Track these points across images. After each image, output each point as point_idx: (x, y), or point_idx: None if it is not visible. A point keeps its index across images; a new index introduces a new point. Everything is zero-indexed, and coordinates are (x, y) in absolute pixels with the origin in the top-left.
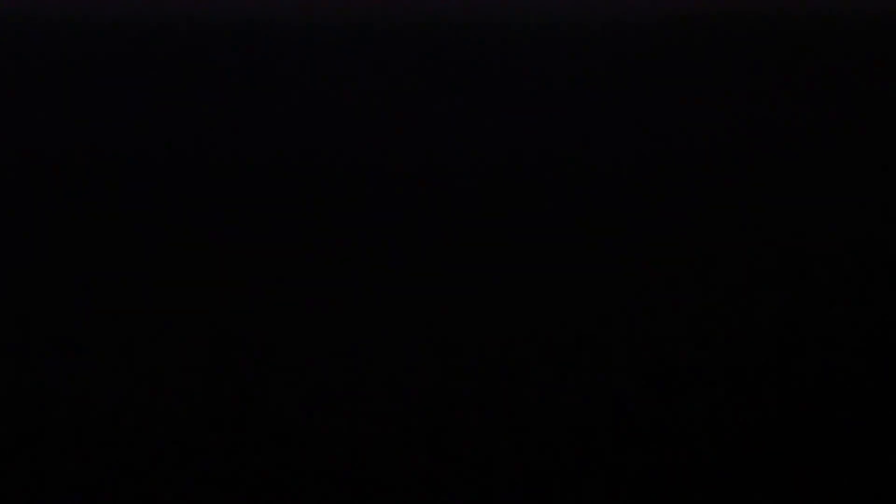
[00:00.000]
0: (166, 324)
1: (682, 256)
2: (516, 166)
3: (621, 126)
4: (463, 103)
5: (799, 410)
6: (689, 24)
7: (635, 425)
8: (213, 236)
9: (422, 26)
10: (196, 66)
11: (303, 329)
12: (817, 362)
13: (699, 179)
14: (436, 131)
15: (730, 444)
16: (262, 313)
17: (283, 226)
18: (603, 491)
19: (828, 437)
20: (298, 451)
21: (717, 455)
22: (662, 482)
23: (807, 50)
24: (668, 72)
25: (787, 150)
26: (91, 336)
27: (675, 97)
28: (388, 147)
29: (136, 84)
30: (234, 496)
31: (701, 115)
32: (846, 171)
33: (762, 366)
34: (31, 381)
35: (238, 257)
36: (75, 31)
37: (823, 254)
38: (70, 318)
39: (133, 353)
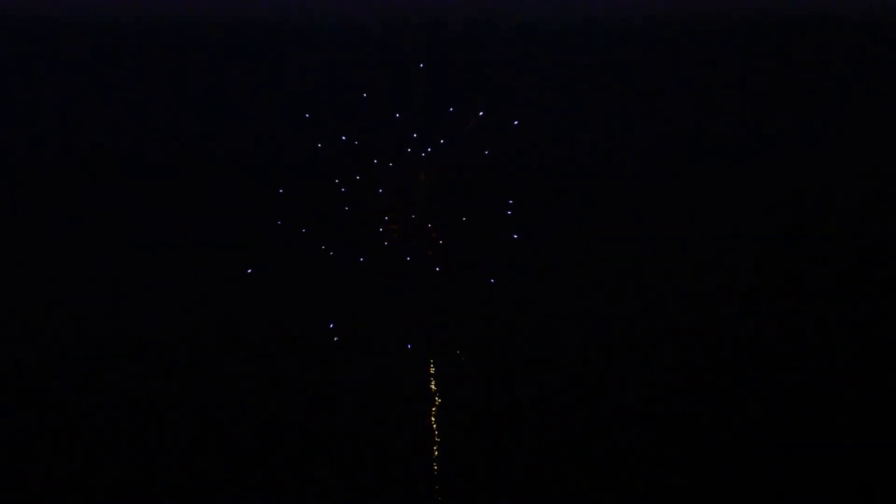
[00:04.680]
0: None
1: (680, 252)
2: (516, 163)
3: (620, 124)
4: (462, 102)
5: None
6: (689, 24)
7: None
8: (211, 232)
9: (422, 26)
10: (195, 65)
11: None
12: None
13: (698, 176)
14: (435, 129)
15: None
16: (259, 309)
17: (281, 223)
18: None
19: (825, 437)
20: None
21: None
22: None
23: (805, 50)
24: (667, 72)
25: (785, 149)
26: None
27: (674, 96)
28: (388, 145)
29: (133, 83)
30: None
31: (700, 113)
32: (845, 169)
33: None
34: (30, 378)
35: (235, 255)
36: (74, 31)
37: (822, 250)
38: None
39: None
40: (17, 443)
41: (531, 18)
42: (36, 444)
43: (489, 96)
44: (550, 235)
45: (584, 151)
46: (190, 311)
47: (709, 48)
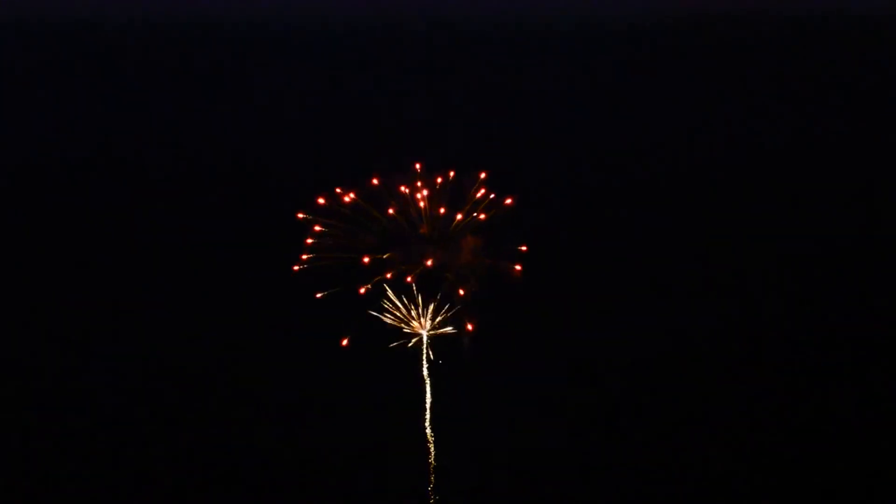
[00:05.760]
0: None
1: (679, 251)
2: (516, 162)
3: (620, 123)
4: (463, 101)
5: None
6: (689, 25)
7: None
8: (209, 231)
9: (424, 25)
10: (194, 65)
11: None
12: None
13: (699, 176)
14: (435, 127)
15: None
16: (256, 311)
17: (279, 224)
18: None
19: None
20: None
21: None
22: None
23: (805, 49)
24: (668, 71)
25: (785, 148)
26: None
27: (674, 96)
28: (386, 144)
29: (132, 82)
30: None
31: (700, 113)
32: (845, 169)
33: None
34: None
35: (232, 255)
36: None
37: (821, 250)
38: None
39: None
40: (17, 442)
41: (532, 18)
42: (35, 444)
43: (489, 96)
44: (550, 231)
45: (586, 151)
46: (190, 311)
47: (710, 48)
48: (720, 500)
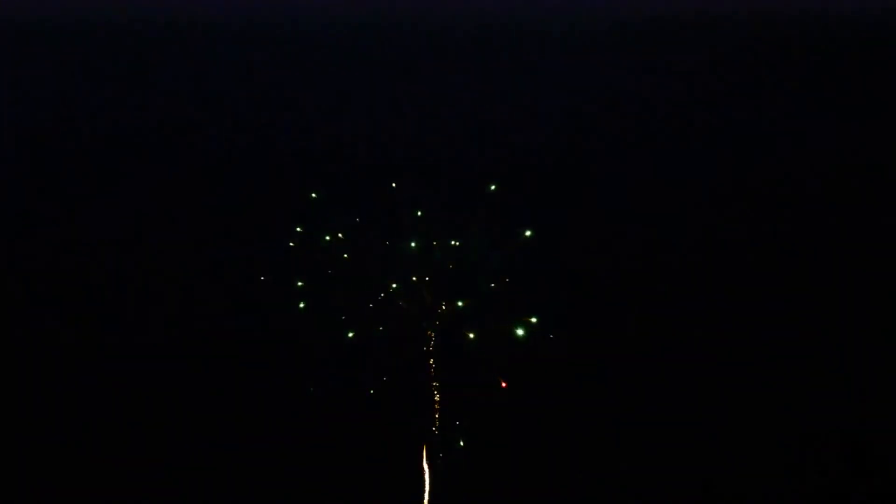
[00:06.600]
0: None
1: (680, 251)
2: (515, 162)
3: (620, 123)
4: (462, 101)
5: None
6: (689, 24)
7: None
8: (208, 231)
9: (426, 26)
10: (195, 66)
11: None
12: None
13: (701, 178)
14: (436, 127)
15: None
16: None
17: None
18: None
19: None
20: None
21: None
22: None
23: (806, 50)
24: (668, 71)
25: (785, 148)
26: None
27: (674, 95)
28: (389, 144)
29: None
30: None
31: (701, 113)
32: (845, 169)
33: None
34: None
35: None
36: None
37: (821, 250)
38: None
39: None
40: (17, 443)
41: (533, 19)
42: (36, 444)
43: (490, 96)
44: (548, 235)
45: (585, 152)
46: (189, 311)
47: (709, 48)
48: (720, 499)
